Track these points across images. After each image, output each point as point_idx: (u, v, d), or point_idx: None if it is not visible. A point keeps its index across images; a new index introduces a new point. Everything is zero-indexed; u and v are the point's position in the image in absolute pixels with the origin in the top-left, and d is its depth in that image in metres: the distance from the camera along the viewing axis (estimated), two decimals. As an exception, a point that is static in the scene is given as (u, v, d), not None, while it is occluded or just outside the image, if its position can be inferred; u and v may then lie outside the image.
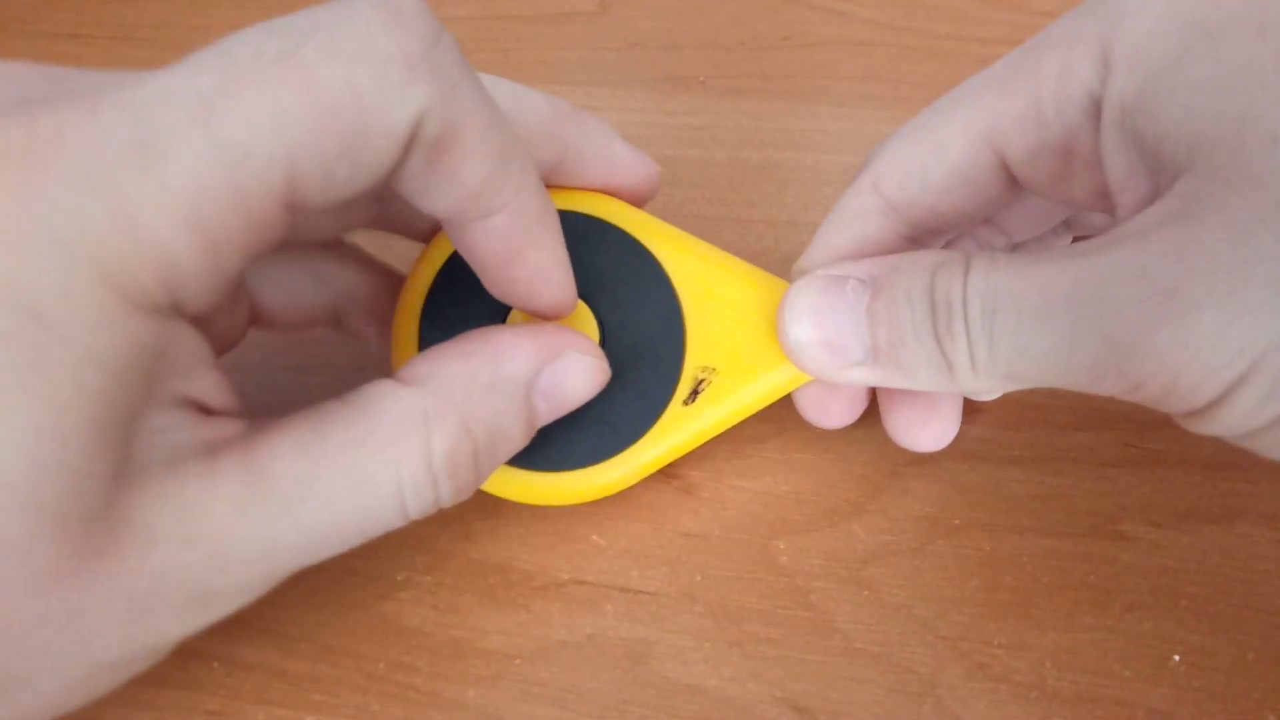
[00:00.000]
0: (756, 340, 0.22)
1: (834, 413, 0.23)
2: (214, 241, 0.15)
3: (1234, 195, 0.16)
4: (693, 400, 0.22)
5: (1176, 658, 0.22)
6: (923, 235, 0.22)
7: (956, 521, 0.24)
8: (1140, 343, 0.16)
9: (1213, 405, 0.16)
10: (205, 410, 0.18)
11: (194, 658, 0.22)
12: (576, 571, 0.23)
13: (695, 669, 0.22)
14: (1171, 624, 0.22)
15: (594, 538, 0.24)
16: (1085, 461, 0.24)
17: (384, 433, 0.18)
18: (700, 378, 0.22)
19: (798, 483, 0.24)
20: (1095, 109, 0.19)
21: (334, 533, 0.18)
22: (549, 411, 0.20)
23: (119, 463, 0.16)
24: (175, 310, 0.16)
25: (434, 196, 0.18)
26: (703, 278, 0.22)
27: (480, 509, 0.24)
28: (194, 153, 0.15)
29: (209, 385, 0.18)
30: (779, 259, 0.28)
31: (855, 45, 0.33)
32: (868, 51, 0.33)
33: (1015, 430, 0.25)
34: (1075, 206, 0.21)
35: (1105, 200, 0.20)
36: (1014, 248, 0.25)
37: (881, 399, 0.23)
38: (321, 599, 0.23)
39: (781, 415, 0.25)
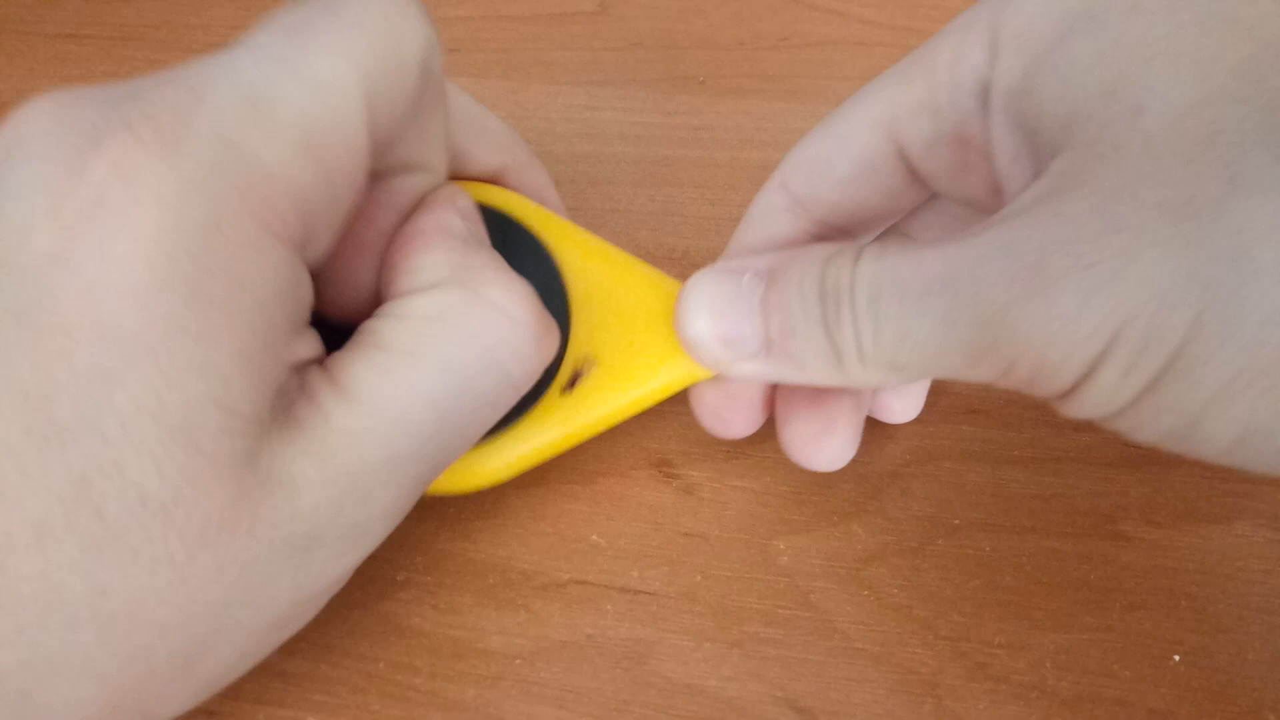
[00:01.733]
0: (643, 335, 0.22)
1: (731, 422, 0.23)
2: (327, 167, 0.17)
3: (1100, 166, 0.16)
4: (570, 389, 0.21)
5: (1176, 658, 0.22)
6: (831, 234, 0.22)
7: (956, 521, 0.24)
8: (1007, 321, 0.16)
9: (1079, 384, 0.16)
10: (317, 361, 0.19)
11: (194, 658, 0.22)
12: (576, 571, 0.23)
13: (695, 669, 0.22)
14: (1171, 624, 0.22)
15: (594, 538, 0.24)
16: (1085, 461, 0.24)
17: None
18: (580, 368, 0.21)
19: (798, 483, 0.24)
20: (985, 94, 0.19)
21: (455, 402, 0.18)
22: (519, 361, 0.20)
23: (265, 404, 0.16)
24: (304, 247, 0.17)
25: (414, 140, 0.20)
26: (595, 272, 0.22)
27: (480, 509, 0.24)
28: (291, 94, 0.16)
29: (314, 339, 0.19)
30: (779, 259, 0.28)
31: (855, 45, 0.33)
32: (868, 51, 0.33)
33: (1015, 430, 0.25)
34: (974, 205, 0.21)
35: (995, 198, 0.20)
36: None
37: (779, 413, 0.23)
38: (321, 599, 0.23)
39: (781, 415, 0.25)
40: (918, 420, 0.25)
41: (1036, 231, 0.16)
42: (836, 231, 0.22)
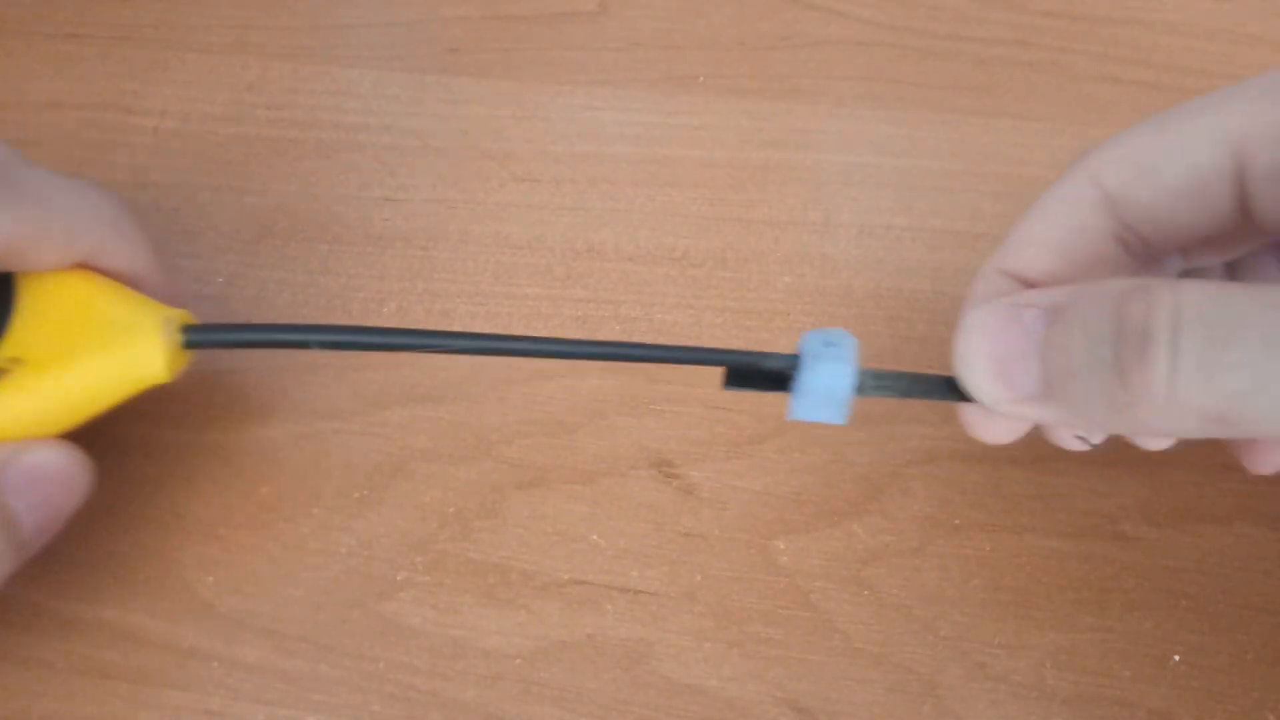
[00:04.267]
0: (75, 340, 0.21)
1: (998, 428, 0.22)
2: None
3: None
4: None
5: (1176, 658, 0.22)
6: (1134, 241, 0.21)
7: (956, 521, 0.24)
8: None
9: None
10: None
11: (194, 658, 0.22)
12: (576, 571, 0.23)
13: (695, 669, 0.22)
14: (1171, 624, 0.22)
15: (594, 538, 0.24)
16: (1085, 461, 0.24)
17: None
18: (2, 368, 0.21)
19: (798, 483, 0.24)
20: None
21: None
22: (32, 510, 0.20)
23: None
24: None
25: None
26: (58, 293, 0.21)
27: (480, 509, 0.24)
28: None
29: None
30: (779, 259, 0.28)
31: (855, 45, 0.33)
32: (868, 51, 0.33)
33: (1015, 430, 0.25)
34: None
35: None
36: None
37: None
38: (321, 599, 0.23)
39: (781, 415, 0.25)
40: (918, 420, 0.25)
41: None
42: (1139, 240, 0.21)
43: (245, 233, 0.29)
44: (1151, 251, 0.21)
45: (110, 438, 0.25)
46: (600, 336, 0.27)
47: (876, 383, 0.20)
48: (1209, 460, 0.24)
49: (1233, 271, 0.22)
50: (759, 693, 0.21)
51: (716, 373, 0.26)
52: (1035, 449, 0.24)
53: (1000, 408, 0.19)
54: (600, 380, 0.26)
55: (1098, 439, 0.21)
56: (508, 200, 0.30)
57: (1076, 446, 0.22)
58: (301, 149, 0.31)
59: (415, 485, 0.24)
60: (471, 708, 0.22)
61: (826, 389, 0.19)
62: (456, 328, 0.27)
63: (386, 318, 0.27)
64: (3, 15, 0.35)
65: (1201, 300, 0.16)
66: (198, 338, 0.22)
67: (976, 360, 0.19)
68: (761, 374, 0.20)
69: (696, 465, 0.25)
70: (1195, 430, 0.17)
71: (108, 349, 0.21)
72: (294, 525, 0.24)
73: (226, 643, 0.22)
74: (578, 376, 0.26)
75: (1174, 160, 0.19)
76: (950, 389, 0.20)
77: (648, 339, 0.27)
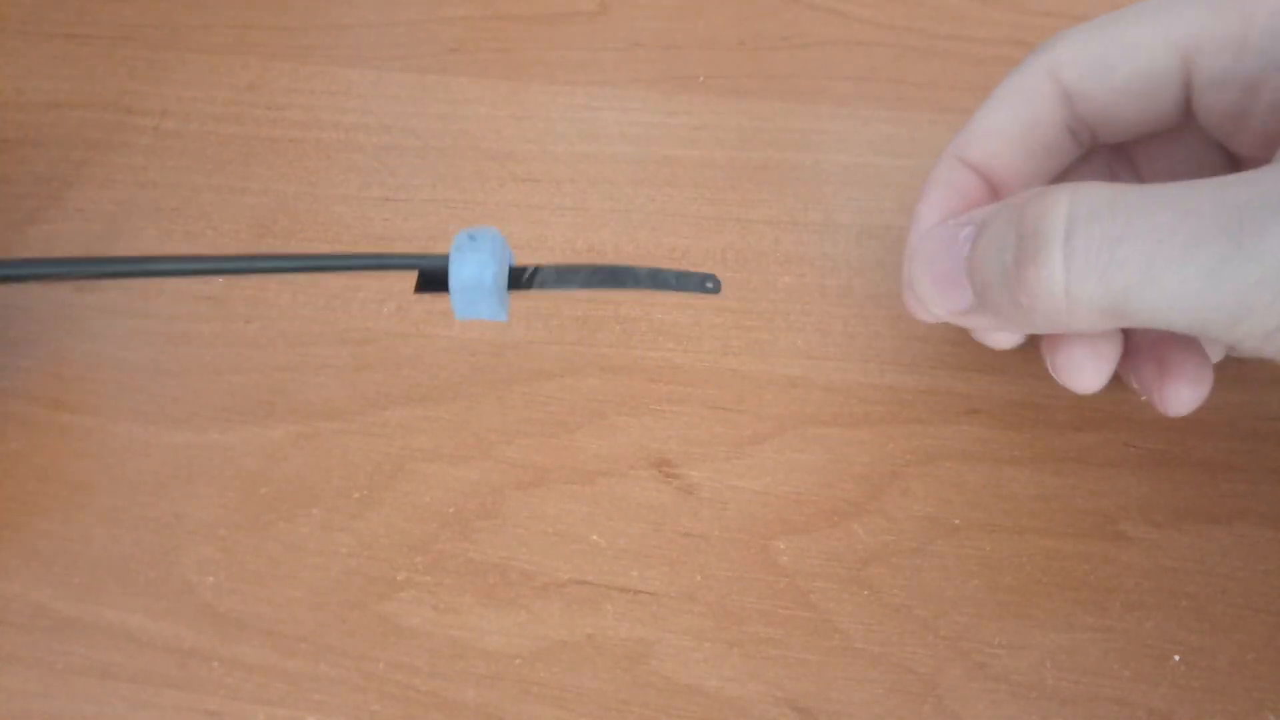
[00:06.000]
0: None
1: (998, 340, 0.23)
2: None
3: None
4: None
5: (1176, 658, 0.22)
6: (1083, 133, 0.22)
7: (956, 521, 0.24)
8: None
9: None
10: None
11: (194, 657, 0.22)
12: (576, 571, 0.23)
13: (695, 669, 0.22)
14: (1171, 624, 0.22)
15: (594, 538, 0.24)
16: (1085, 461, 0.24)
17: None
18: None
19: (798, 483, 0.24)
20: None
21: None
22: None
23: None
24: None
25: None
26: None
27: (480, 509, 0.24)
28: None
29: None
30: (779, 259, 0.28)
31: (855, 45, 0.33)
32: (868, 51, 0.33)
33: (1015, 430, 0.25)
34: (1229, 150, 0.21)
35: (1265, 151, 0.20)
36: None
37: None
38: (321, 599, 0.23)
39: (781, 415, 0.25)
40: (918, 420, 0.25)
41: None
42: (1088, 131, 0.22)
43: (245, 233, 0.29)
44: (1097, 144, 0.22)
45: (110, 438, 0.25)
46: (600, 336, 0.27)
47: (558, 275, 0.21)
48: (1209, 460, 0.24)
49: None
50: (759, 693, 0.22)
51: (715, 374, 0.27)
52: (1035, 449, 0.24)
53: (953, 320, 0.21)
54: (600, 380, 0.26)
55: (1019, 339, 0.23)
56: (508, 200, 0.30)
57: (1002, 345, 0.24)
58: (301, 149, 0.31)
59: (415, 485, 0.24)
60: (471, 708, 0.22)
61: (473, 281, 0.20)
62: (456, 329, 0.27)
63: (387, 317, 0.27)
64: (3, 15, 0.35)
65: (1096, 199, 0.17)
66: None
67: (922, 281, 0.21)
68: (443, 278, 0.21)
69: (696, 465, 0.25)
70: (1095, 324, 0.18)
71: None
72: (294, 525, 0.24)
73: (226, 643, 0.22)
74: (578, 376, 0.26)
75: (1127, 61, 0.20)
76: (629, 279, 0.22)
77: (648, 339, 0.27)
